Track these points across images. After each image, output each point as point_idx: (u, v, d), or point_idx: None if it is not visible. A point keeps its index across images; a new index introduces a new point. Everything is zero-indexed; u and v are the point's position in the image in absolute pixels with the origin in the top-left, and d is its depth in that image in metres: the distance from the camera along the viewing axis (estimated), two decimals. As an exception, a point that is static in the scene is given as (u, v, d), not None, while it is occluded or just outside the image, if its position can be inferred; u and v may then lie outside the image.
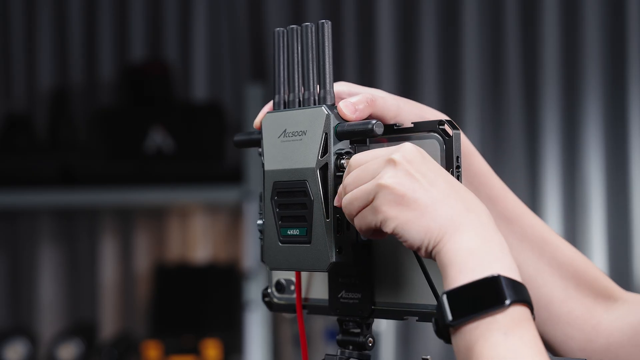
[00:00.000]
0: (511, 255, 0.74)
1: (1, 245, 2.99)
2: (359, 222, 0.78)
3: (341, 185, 0.79)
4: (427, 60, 2.79)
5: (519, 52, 2.75)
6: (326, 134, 0.82)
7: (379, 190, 0.75)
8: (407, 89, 2.81)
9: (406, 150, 0.76)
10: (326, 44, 0.84)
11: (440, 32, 2.80)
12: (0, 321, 2.95)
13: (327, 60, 0.84)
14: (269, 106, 0.88)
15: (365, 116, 0.83)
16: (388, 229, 0.75)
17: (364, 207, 0.77)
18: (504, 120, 2.74)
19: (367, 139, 0.85)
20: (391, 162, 0.75)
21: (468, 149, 0.91)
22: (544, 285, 0.93)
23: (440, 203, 0.73)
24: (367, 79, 2.83)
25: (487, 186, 0.93)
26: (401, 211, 0.74)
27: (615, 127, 2.67)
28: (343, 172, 0.82)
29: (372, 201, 0.76)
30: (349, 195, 0.77)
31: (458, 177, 0.80)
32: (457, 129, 0.82)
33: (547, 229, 0.95)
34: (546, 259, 0.93)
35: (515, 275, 0.72)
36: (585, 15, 2.68)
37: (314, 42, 0.85)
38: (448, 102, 2.78)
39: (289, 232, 0.84)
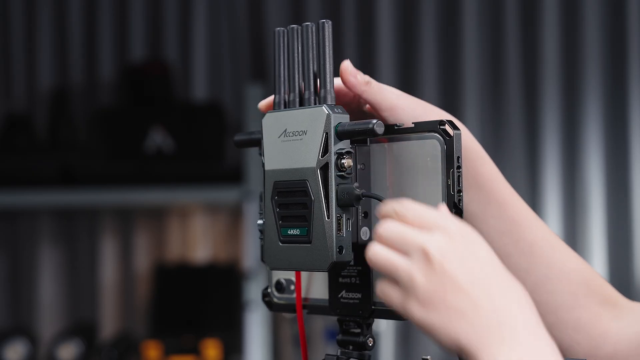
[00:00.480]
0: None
1: (1, 245, 2.99)
2: (380, 289, 0.74)
3: (374, 230, 0.75)
4: (427, 60, 2.79)
5: (519, 52, 2.75)
6: (327, 133, 0.82)
7: (409, 284, 0.70)
8: (407, 89, 2.79)
9: (446, 242, 0.70)
10: (327, 43, 0.84)
11: (440, 32, 2.80)
12: (0, 321, 2.95)
13: (327, 60, 0.84)
14: (269, 99, 0.88)
15: (359, 89, 0.84)
16: (414, 323, 0.71)
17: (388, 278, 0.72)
18: (504, 120, 2.74)
19: (368, 139, 0.85)
20: (425, 254, 0.69)
21: (479, 154, 0.90)
22: (553, 291, 0.92)
23: (472, 313, 0.68)
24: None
25: (498, 192, 0.91)
26: (427, 313, 0.69)
27: (615, 127, 2.67)
28: (344, 171, 0.82)
29: (398, 285, 0.71)
30: (380, 256, 0.73)
31: (459, 178, 0.80)
32: (458, 129, 0.82)
33: (554, 235, 0.95)
34: (555, 266, 0.93)
35: None
36: (585, 15, 2.68)
37: (314, 41, 0.85)
38: (448, 102, 2.77)
39: (289, 232, 0.84)
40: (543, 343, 0.68)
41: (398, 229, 0.72)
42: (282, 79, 0.87)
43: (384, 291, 0.73)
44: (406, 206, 0.74)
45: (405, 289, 0.70)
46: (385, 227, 0.73)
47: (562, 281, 0.92)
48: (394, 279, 0.72)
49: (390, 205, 0.75)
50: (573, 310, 0.92)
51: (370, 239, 0.85)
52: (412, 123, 0.84)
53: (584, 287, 0.93)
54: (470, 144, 0.89)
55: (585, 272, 0.93)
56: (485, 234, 0.87)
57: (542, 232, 0.93)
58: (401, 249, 0.71)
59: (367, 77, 0.85)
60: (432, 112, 0.88)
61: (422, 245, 0.70)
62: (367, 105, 0.88)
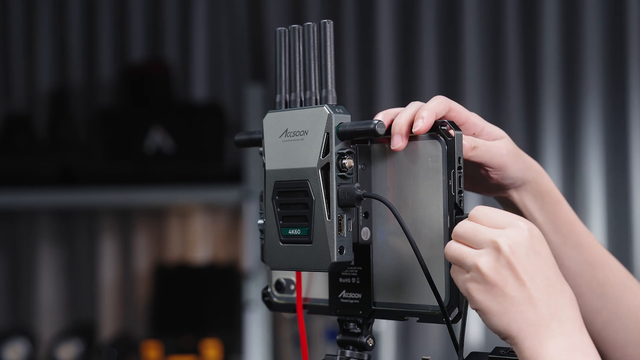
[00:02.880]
0: (595, 356, 0.74)
1: (1, 245, 2.99)
2: (453, 275, 0.79)
3: (454, 230, 0.79)
4: (427, 60, 2.78)
5: (519, 52, 2.75)
6: (328, 133, 0.82)
7: (474, 269, 0.76)
8: (407, 88, 2.81)
9: (515, 236, 0.75)
10: (328, 43, 0.84)
11: (440, 32, 2.80)
12: (0, 321, 2.95)
13: (329, 60, 0.84)
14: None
15: (467, 155, 0.85)
16: (471, 305, 0.77)
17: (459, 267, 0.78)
18: (504, 120, 2.74)
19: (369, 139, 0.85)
20: (496, 247, 0.75)
21: (558, 198, 0.95)
22: (621, 329, 0.96)
23: (527, 305, 0.74)
24: (367, 78, 2.83)
25: (575, 233, 0.95)
26: (487, 299, 0.75)
27: (615, 127, 2.67)
28: (345, 171, 0.82)
29: (467, 271, 0.77)
30: (452, 248, 0.78)
31: (460, 178, 0.81)
32: (459, 130, 0.82)
33: (625, 273, 0.97)
34: (625, 304, 0.96)
35: None
36: (585, 14, 2.68)
37: (315, 41, 0.85)
38: (448, 102, 2.77)
39: (290, 232, 0.84)
40: (586, 337, 0.74)
41: (471, 226, 0.77)
42: (283, 78, 0.87)
43: (453, 273, 0.79)
44: (480, 209, 0.79)
45: (470, 276, 0.76)
46: (460, 225, 0.78)
47: (631, 319, 0.95)
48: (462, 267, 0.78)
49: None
50: (638, 346, 0.95)
51: (370, 239, 0.85)
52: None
53: None
54: (549, 189, 0.93)
55: None
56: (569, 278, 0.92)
57: (614, 272, 0.96)
58: (473, 244, 0.77)
59: (473, 142, 0.86)
60: (531, 163, 0.93)
61: (494, 238, 0.75)
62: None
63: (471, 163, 0.88)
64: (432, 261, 0.82)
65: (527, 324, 0.74)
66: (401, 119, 0.83)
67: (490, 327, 0.76)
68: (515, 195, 0.93)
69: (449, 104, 0.86)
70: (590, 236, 0.96)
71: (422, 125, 0.82)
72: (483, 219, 0.77)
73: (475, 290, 0.76)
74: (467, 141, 0.85)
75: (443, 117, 0.85)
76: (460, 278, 0.77)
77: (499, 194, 0.93)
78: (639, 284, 0.97)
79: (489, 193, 0.93)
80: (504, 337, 0.75)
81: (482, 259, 0.75)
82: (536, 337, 0.73)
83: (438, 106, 0.84)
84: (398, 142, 0.82)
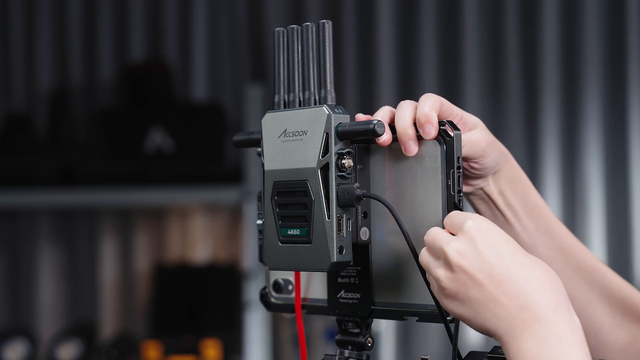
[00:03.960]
0: (573, 340, 0.72)
1: (1, 245, 2.99)
2: (431, 286, 0.79)
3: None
4: (427, 60, 2.78)
5: (519, 52, 2.74)
6: (327, 134, 0.82)
7: (437, 281, 0.77)
8: (407, 88, 2.81)
9: (462, 240, 0.75)
10: (327, 44, 0.84)
11: (440, 32, 2.80)
12: (0, 321, 2.95)
13: (327, 60, 0.84)
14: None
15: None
16: (451, 315, 0.79)
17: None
18: (504, 120, 2.74)
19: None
20: (445, 257, 0.76)
21: (525, 183, 0.94)
22: (595, 314, 0.95)
23: (493, 302, 0.73)
24: (367, 79, 2.83)
25: (545, 218, 0.94)
26: (457, 306, 0.76)
27: (615, 127, 2.67)
28: (344, 172, 0.82)
29: (435, 281, 0.78)
30: (423, 259, 0.79)
31: (459, 178, 0.81)
32: (458, 130, 0.82)
33: (595, 258, 0.97)
34: (597, 288, 0.95)
35: None
36: (585, 15, 2.68)
37: (314, 42, 0.85)
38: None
39: (289, 232, 0.84)
40: (562, 321, 0.71)
41: (434, 233, 0.78)
42: (282, 79, 0.87)
43: (430, 285, 0.79)
44: (449, 215, 0.79)
45: (436, 286, 0.77)
46: (428, 232, 0.79)
47: (603, 304, 0.95)
48: None
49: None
50: (612, 331, 0.95)
51: (369, 239, 0.85)
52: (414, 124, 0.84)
53: (623, 307, 0.95)
54: (519, 173, 0.93)
55: (625, 292, 0.96)
56: None
57: (585, 257, 0.96)
58: (433, 252, 0.78)
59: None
60: (503, 148, 0.93)
61: (443, 247, 0.76)
62: None
63: None
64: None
65: (500, 320, 0.73)
66: (405, 123, 0.83)
67: (476, 331, 0.76)
68: (491, 184, 0.92)
69: (441, 100, 0.87)
70: (558, 221, 0.96)
71: (434, 130, 0.82)
72: (447, 222, 0.79)
73: (446, 302, 0.76)
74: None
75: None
76: (435, 292, 0.78)
77: (477, 184, 0.93)
78: (607, 267, 0.97)
79: (467, 185, 0.93)
80: (492, 337, 0.75)
81: (439, 272, 0.76)
82: (512, 332, 0.72)
83: (434, 105, 0.84)
84: (413, 148, 0.83)
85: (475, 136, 0.88)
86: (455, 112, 0.88)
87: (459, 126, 0.84)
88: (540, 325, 0.71)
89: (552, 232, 0.94)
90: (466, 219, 0.76)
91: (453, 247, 0.75)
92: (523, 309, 0.72)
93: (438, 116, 0.83)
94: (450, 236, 0.77)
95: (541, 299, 0.72)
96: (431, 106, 0.83)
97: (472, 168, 0.90)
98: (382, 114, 0.87)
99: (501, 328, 0.73)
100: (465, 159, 0.87)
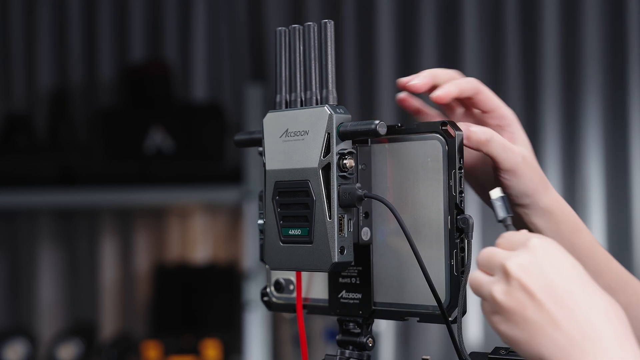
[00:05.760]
0: None
1: (1, 245, 2.99)
2: (483, 310, 0.74)
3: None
4: (427, 60, 2.78)
5: (519, 52, 2.75)
6: (329, 133, 0.82)
7: (490, 299, 0.71)
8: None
9: (525, 256, 0.70)
10: (329, 43, 0.84)
11: (440, 32, 2.80)
12: (0, 321, 2.95)
13: (329, 60, 0.84)
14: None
15: (478, 146, 0.84)
16: (502, 340, 0.72)
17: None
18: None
19: (369, 139, 0.85)
20: (504, 270, 0.70)
21: (576, 226, 0.89)
22: None
23: (552, 327, 0.67)
24: (367, 79, 2.83)
25: (594, 259, 0.89)
26: (510, 329, 0.70)
27: (615, 127, 2.67)
28: (345, 172, 0.82)
29: (487, 300, 0.72)
30: (474, 277, 0.74)
31: (460, 179, 0.81)
32: (460, 130, 0.82)
33: None
34: None
35: None
36: (585, 14, 2.68)
37: (316, 41, 0.85)
38: (448, 102, 2.77)
39: (290, 232, 0.84)
40: (630, 355, 0.66)
41: (488, 251, 0.73)
42: (283, 78, 0.87)
43: (482, 308, 0.73)
44: (504, 235, 0.75)
45: (489, 306, 0.71)
46: (481, 252, 0.74)
47: None
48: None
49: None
50: None
51: (370, 240, 0.85)
52: (414, 124, 0.84)
53: None
54: (568, 217, 0.88)
55: None
56: None
57: (635, 292, 0.91)
58: (488, 270, 0.73)
59: (489, 134, 0.84)
60: (548, 186, 0.89)
61: (502, 262, 0.70)
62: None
63: (487, 168, 0.86)
64: (432, 261, 0.82)
65: (558, 347, 0.67)
66: (432, 70, 0.85)
67: (524, 357, 0.70)
68: (527, 217, 0.89)
69: (479, 86, 0.85)
70: (611, 261, 0.91)
71: (440, 92, 0.82)
72: (502, 242, 0.74)
73: (498, 322, 0.70)
74: (483, 132, 0.83)
75: (469, 99, 0.87)
76: (486, 312, 0.72)
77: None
78: None
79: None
80: None
81: (495, 287, 0.70)
82: None
83: (465, 84, 0.84)
84: (413, 78, 0.84)
85: (515, 148, 0.85)
86: (500, 112, 0.87)
87: (504, 133, 0.84)
88: (602, 357, 0.66)
89: (602, 274, 0.89)
90: (531, 237, 0.71)
91: (515, 261, 0.69)
92: (584, 337, 0.66)
93: (469, 104, 0.85)
94: (510, 253, 0.71)
95: (606, 330, 0.66)
96: (460, 83, 0.85)
97: (501, 183, 0.85)
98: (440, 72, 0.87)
99: (557, 354, 0.67)
100: (496, 167, 0.84)
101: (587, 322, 0.67)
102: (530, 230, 0.87)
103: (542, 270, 0.68)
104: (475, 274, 0.74)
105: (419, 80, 0.85)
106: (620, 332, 0.67)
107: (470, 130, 0.83)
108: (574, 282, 0.68)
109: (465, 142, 0.82)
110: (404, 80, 0.87)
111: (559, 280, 0.68)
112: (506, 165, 0.85)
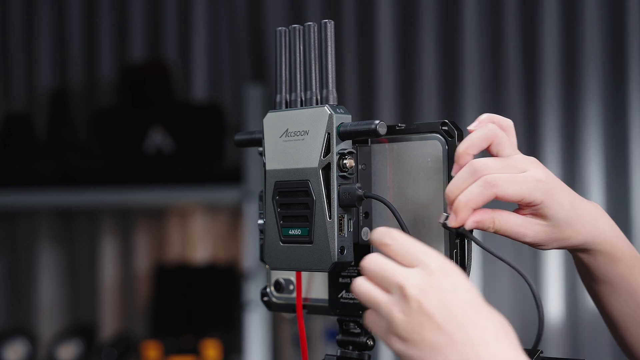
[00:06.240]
0: None
1: (1, 245, 2.99)
2: (369, 320, 0.75)
3: (362, 263, 0.76)
4: (427, 60, 2.79)
5: (519, 52, 2.75)
6: (329, 133, 0.82)
7: (388, 320, 0.72)
8: (406, 89, 2.81)
9: (424, 278, 0.71)
10: (329, 43, 0.84)
11: (440, 33, 2.80)
12: (0, 321, 2.95)
13: (329, 60, 0.84)
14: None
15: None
16: (395, 353, 0.73)
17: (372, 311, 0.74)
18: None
19: (369, 139, 0.85)
20: (403, 293, 0.71)
21: (612, 257, 0.86)
22: None
23: (450, 347, 0.69)
24: (367, 79, 2.83)
25: (627, 284, 0.88)
26: (408, 348, 0.71)
27: (615, 127, 2.67)
28: (346, 172, 0.82)
29: (383, 320, 0.73)
30: (363, 289, 0.74)
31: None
32: (460, 130, 0.82)
33: None
34: None
35: None
36: (585, 15, 2.68)
37: (316, 41, 0.85)
38: (448, 102, 2.78)
39: (290, 232, 0.84)
40: None
41: (380, 263, 0.73)
42: (283, 78, 0.87)
43: (370, 321, 0.74)
44: (392, 236, 0.75)
45: (386, 323, 0.72)
46: (369, 260, 0.74)
47: None
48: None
49: (378, 234, 0.76)
50: None
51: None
52: (414, 123, 0.84)
53: None
54: (608, 246, 0.86)
55: None
56: (613, 316, 0.90)
57: None
58: (382, 284, 0.73)
59: (492, 217, 0.80)
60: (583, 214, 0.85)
61: (400, 283, 0.71)
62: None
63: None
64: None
65: None
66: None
67: None
68: (580, 256, 0.87)
69: (494, 135, 0.80)
70: None
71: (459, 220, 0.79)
72: (394, 251, 0.74)
73: (394, 342, 0.71)
74: (486, 216, 0.80)
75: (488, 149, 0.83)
76: (377, 327, 0.73)
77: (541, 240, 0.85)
78: None
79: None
80: None
81: (394, 308, 0.71)
82: None
83: (481, 142, 0.80)
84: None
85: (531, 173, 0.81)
86: (506, 151, 0.83)
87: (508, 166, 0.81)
88: None
89: (635, 294, 0.89)
90: (430, 258, 0.72)
91: (414, 283, 0.70)
92: (478, 357, 0.69)
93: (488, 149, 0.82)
94: (407, 271, 0.72)
95: (498, 351, 0.69)
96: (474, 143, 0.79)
97: (532, 214, 0.82)
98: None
99: None
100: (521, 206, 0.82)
101: (481, 342, 0.69)
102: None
103: (441, 294, 0.70)
104: (367, 287, 0.73)
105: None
106: (510, 353, 0.70)
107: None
108: (469, 306, 0.70)
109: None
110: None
111: (455, 303, 0.70)
112: (525, 197, 0.81)
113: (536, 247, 0.84)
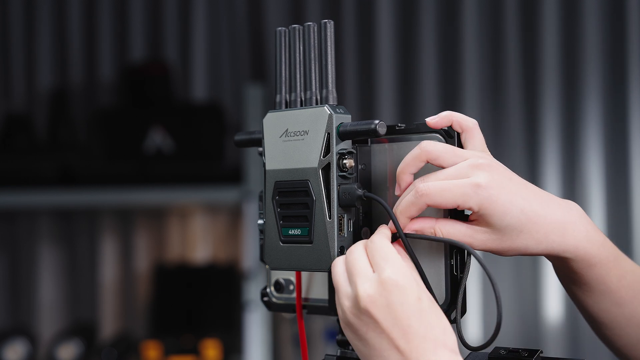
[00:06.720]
0: None
1: (1, 245, 2.99)
2: (336, 300, 0.80)
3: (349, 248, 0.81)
4: (427, 60, 2.79)
5: (519, 52, 2.75)
6: (329, 133, 0.82)
7: (340, 307, 0.79)
8: (406, 89, 2.81)
9: (375, 288, 0.76)
10: (328, 43, 0.84)
11: (440, 33, 2.80)
12: (0, 321, 2.95)
13: (329, 60, 0.84)
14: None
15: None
16: (348, 340, 0.80)
17: None
18: (504, 120, 2.74)
19: (369, 139, 0.85)
20: (356, 296, 0.77)
21: (589, 262, 0.86)
22: None
23: (391, 350, 0.76)
24: (367, 79, 2.83)
25: (605, 286, 0.89)
26: (354, 339, 0.78)
27: (615, 127, 2.67)
28: (345, 172, 0.82)
29: (338, 306, 0.80)
30: (336, 270, 0.80)
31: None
32: (459, 130, 0.82)
33: None
34: None
35: None
36: (585, 15, 2.68)
37: (316, 41, 0.85)
38: (448, 102, 2.78)
39: (290, 232, 0.84)
40: None
41: (355, 258, 0.79)
42: (283, 78, 0.87)
43: (337, 306, 0.81)
44: (374, 239, 0.79)
45: (340, 308, 0.79)
46: (352, 249, 0.80)
47: None
48: None
49: (368, 234, 0.83)
50: None
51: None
52: (414, 123, 0.84)
53: None
54: (580, 253, 0.85)
55: None
56: (596, 316, 0.91)
57: None
58: (349, 274, 0.79)
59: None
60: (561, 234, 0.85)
61: (356, 287, 0.77)
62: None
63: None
64: (432, 261, 0.82)
65: None
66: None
67: None
68: (560, 263, 0.88)
69: (426, 153, 0.81)
70: (625, 277, 0.89)
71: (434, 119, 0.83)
72: (370, 250, 0.79)
73: (345, 328, 0.79)
74: (426, 225, 0.82)
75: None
76: (338, 311, 0.80)
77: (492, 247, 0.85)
78: None
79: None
80: None
81: (347, 304, 0.78)
82: None
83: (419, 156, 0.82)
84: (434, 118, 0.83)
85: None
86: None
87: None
88: None
89: (622, 303, 0.90)
90: (385, 268, 0.76)
91: (366, 291, 0.76)
92: None
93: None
94: (367, 274, 0.77)
95: (433, 358, 0.75)
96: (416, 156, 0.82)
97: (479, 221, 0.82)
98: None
99: None
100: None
101: (420, 350, 0.75)
102: None
103: (389, 305, 0.75)
104: (339, 271, 0.80)
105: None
106: (444, 356, 0.75)
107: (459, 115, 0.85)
108: (414, 316, 0.76)
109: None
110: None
111: (401, 314, 0.75)
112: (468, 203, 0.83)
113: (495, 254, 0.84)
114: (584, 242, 0.84)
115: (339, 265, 0.80)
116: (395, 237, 0.81)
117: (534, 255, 0.84)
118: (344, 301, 0.78)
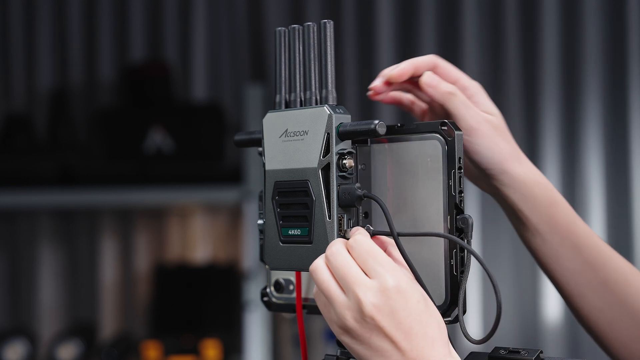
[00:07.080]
0: None
1: (1, 245, 2.99)
2: (319, 304, 0.80)
3: (327, 252, 0.79)
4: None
5: (519, 52, 2.75)
6: (328, 134, 0.82)
7: (340, 318, 0.77)
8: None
9: (379, 294, 0.76)
10: (328, 43, 0.84)
11: (440, 33, 2.80)
12: (0, 321, 2.95)
13: (329, 60, 0.84)
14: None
15: (440, 99, 0.89)
16: (339, 340, 0.80)
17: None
18: (504, 119, 2.74)
19: (369, 139, 0.85)
20: (359, 305, 0.76)
21: (554, 199, 0.93)
22: (628, 326, 0.96)
23: (391, 351, 0.76)
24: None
25: (574, 234, 0.94)
26: (354, 344, 0.78)
27: (615, 127, 2.67)
28: (345, 172, 0.82)
29: (335, 316, 0.78)
30: (323, 279, 0.79)
31: (460, 178, 0.81)
32: (459, 130, 0.82)
33: (630, 270, 0.97)
34: (629, 302, 0.96)
35: None
36: (585, 15, 2.68)
37: (315, 41, 0.85)
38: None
39: (290, 232, 0.84)
40: None
41: (344, 263, 0.77)
42: (283, 78, 0.87)
43: (320, 304, 0.80)
44: (357, 239, 0.78)
45: (338, 319, 0.78)
46: (335, 253, 0.78)
47: (636, 315, 0.95)
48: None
49: (349, 234, 0.81)
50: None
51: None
52: (414, 124, 0.84)
53: None
54: (544, 191, 0.92)
55: None
56: (558, 275, 0.94)
57: (617, 270, 0.96)
58: (340, 281, 0.77)
59: (453, 89, 0.89)
60: (519, 159, 0.92)
61: (359, 297, 0.76)
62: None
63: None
64: (432, 262, 0.82)
65: None
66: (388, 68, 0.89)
67: None
68: (501, 190, 0.93)
69: (436, 60, 0.90)
70: (592, 236, 0.95)
71: (395, 70, 0.88)
72: (357, 257, 0.78)
73: (341, 334, 0.78)
74: (449, 86, 0.89)
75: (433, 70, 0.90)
76: (327, 315, 0.79)
77: (483, 183, 0.94)
78: None
79: (472, 179, 0.94)
80: None
81: (348, 313, 0.77)
82: None
83: (421, 61, 0.89)
84: (375, 82, 0.89)
85: (478, 111, 0.91)
86: (461, 83, 0.92)
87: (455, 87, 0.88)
88: None
89: (581, 249, 0.94)
90: (384, 275, 0.76)
91: (371, 301, 0.76)
92: (418, 357, 0.77)
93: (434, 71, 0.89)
94: (365, 283, 0.76)
95: (432, 353, 0.76)
96: (415, 59, 0.89)
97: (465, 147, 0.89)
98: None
99: None
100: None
101: (419, 348, 0.76)
102: (506, 202, 0.92)
103: (394, 312, 0.76)
104: (327, 280, 0.78)
105: (377, 83, 0.90)
106: (441, 351, 0.77)
107: (440, 81, 0.89)
108: (415, 318, 0.77)
109: (430, 90, 0.89)
110: (371, 86, 0.91)
111: (404, 318, 0.76)
112: (467, 123, 0.89)
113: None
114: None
115: (323, 272, 0.79)
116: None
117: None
118: (344, 311, 0.77)
